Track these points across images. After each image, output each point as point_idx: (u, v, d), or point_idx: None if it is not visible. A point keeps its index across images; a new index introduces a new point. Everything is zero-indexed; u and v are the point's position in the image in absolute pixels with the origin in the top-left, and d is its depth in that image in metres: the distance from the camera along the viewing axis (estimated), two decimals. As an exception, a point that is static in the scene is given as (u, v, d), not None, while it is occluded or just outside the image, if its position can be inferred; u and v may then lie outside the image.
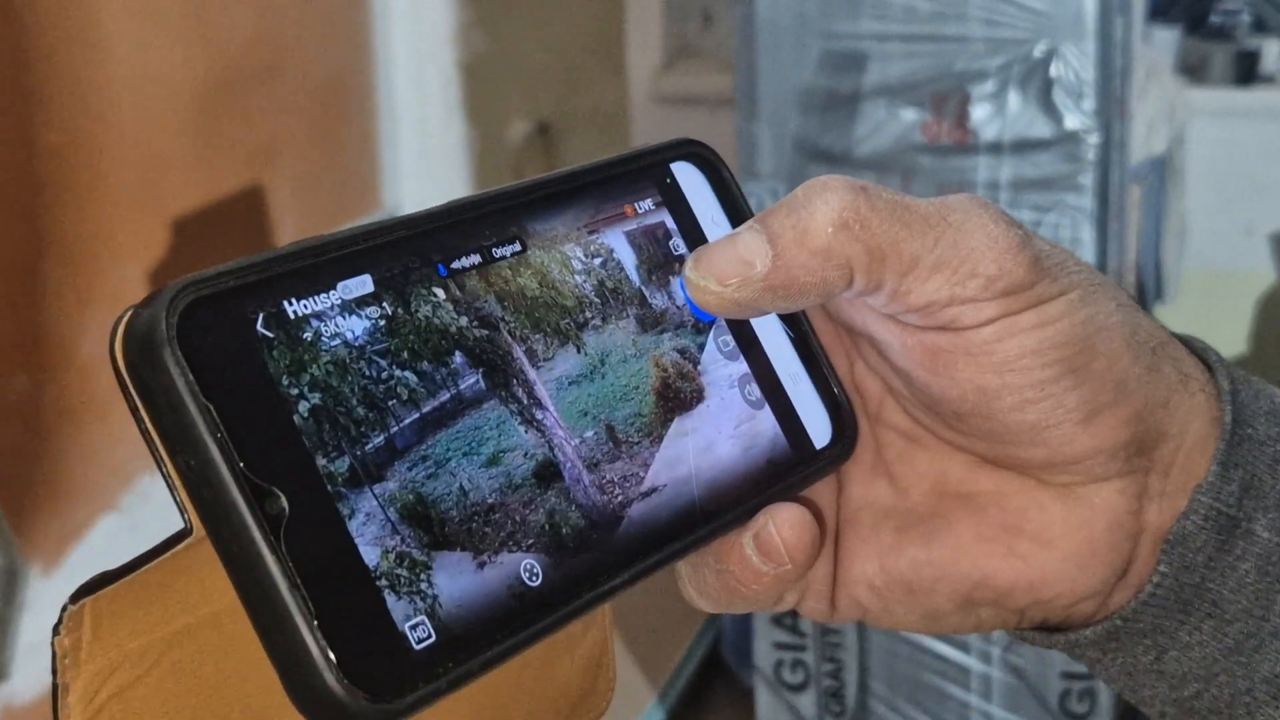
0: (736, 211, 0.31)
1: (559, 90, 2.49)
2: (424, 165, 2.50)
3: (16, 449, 1.78)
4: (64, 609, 0.22)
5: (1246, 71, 2.27)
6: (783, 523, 0.28)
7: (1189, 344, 0.31)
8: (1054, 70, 1.70)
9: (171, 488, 0.22)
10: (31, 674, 1.70)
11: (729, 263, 0.27)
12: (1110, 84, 1.75)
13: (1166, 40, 2.26)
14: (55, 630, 0.22)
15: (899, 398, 0.31)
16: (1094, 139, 1.71)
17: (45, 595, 1.71)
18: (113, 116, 1.76)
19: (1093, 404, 0.27)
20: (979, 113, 1.57)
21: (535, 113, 2.49)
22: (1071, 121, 1.70)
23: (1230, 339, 1.87)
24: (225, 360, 0.22)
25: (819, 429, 0.30)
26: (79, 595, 0.22)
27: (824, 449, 0.30)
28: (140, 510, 1.95)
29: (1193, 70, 2.30)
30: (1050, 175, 1.53)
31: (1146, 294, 1.69)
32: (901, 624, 0.30)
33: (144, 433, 0.21)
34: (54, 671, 0.22)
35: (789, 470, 0.29)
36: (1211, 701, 0.30)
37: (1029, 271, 0.26)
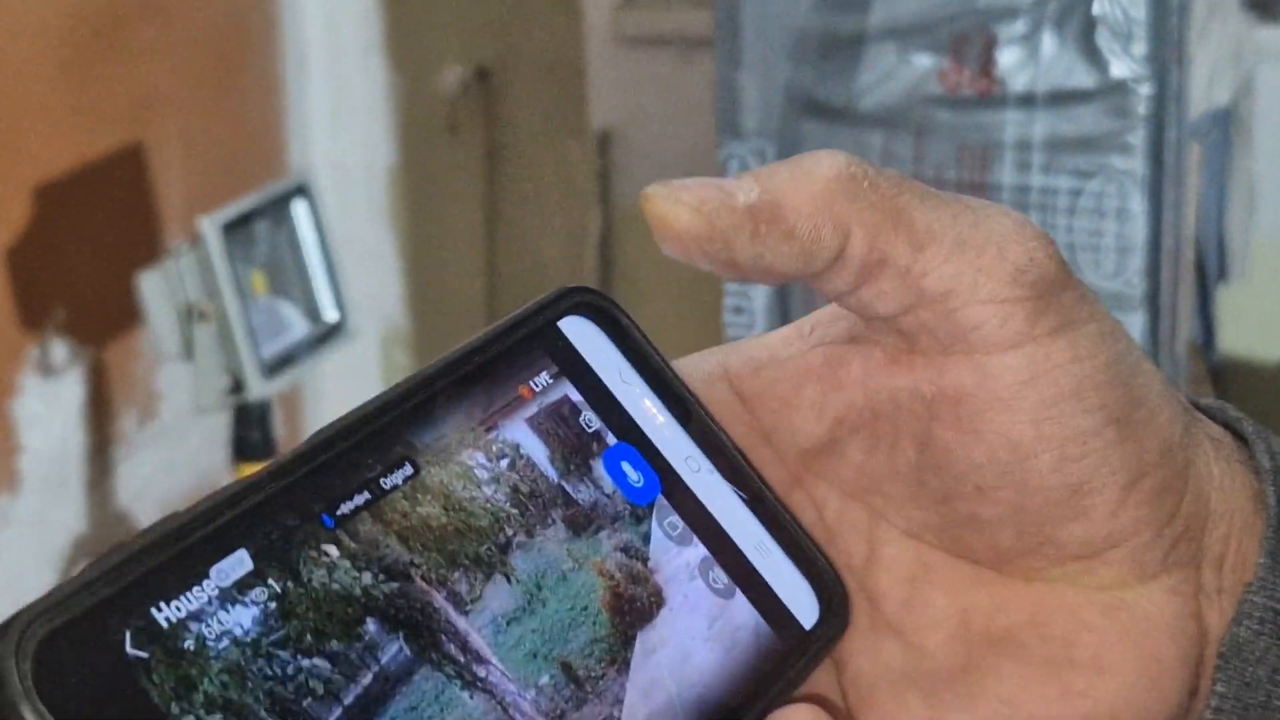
0: (646, 363, 0.30)
1: (500, 29, 2.30)
2: (338, 120, 2.33)
3: None
4: None
5: None
6: None
7: (1216, 412, 0.31)
8: (1097, 8, 1.57)
9: None
10: None
11: (706, 188, 0.26)
12: (1165, 23, 1.64)
13: None
14: None
15: (895, 510, 0.29)
16: (1145, 89, 1.59)
17: None
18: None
19: (1139, 464, 0.27)
20: (1007, 58, 1.46)
21: (472, 56, 2.29)
22: (1118, 69, 1.59)
23: (1304, 324, 1.88)
24: (99, 703, 0.21)
25: (803, 605, 0.29)
26: None
27: (815, 628, 0.29)
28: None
29: (1264, 6, 2.22)
30: (1093, 133, 1.45)
31: (1208, 273, 1.71)
32: None
33: None
34: None
35: (782, 664, 0.28)
36: None
37: (1060, 269, 0.26)
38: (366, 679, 0.23)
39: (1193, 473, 0.28)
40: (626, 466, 0.29)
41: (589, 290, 0.30)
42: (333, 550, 0.24)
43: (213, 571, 0.22)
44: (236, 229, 1.70)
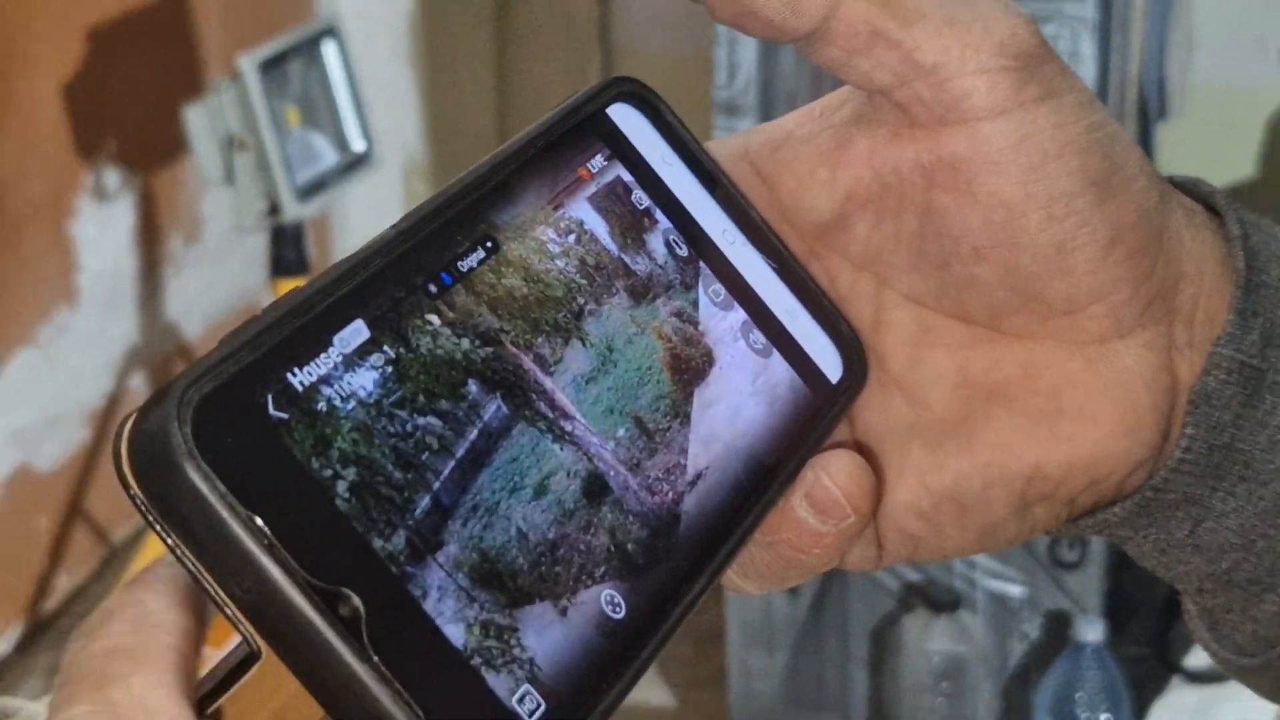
0: (684, 146, 0.30)
1: None
2: None
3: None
4: None
5: None
6: (837, 472, 0.28)
7: (1191, 187, 0.31)
8: None
9: (228, 616, 0.21)
10: None
11: None
12: None
13: None
14: None
15: (898, 278, 0.30)
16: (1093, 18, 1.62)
17: None
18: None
19: (1117, 223, 0.27)
20: None
21: None
22: (1075, 5, 1.61)
23: (1237, 160, 1.88)
24: (250, 459, 0.21)
25: (829, 362, 0.30)
26: None
27: (840, 383, 0.30)
28: (57, 344, 1.99)
29: None
30: None
31: (1149, 110, 1.69)
32: (955, 547, 0.30)
33: (178, 558, 0.21)
34: None
35: (815, 415, 0.29)
36: (1251, 571, 0.30)
37: (1041, 44, 0.27)
38: (472, 434, 0.24)
39: (1166, 237, 0.28)
40: (674, 239, 0.30)
41: (632, 80, 0.31)
42: (435, 319, 0.25)
43: (335, 340, 0.23)
44: (272, 67, 1.76)
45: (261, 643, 0.21)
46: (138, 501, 0.21)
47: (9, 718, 1.73)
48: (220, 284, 2.30)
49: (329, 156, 1.86)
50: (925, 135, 0.28)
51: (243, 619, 0.21)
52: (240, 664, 0.22)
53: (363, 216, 2.42)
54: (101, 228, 2.01)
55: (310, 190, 1.81)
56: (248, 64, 1.71)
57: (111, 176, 2.05)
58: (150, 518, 0.21)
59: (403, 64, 2.56)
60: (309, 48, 1.82)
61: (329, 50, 1.84)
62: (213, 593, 0.21)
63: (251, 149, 1.75)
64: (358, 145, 1.87)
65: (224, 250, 2.27)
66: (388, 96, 2.38)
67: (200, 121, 1.75)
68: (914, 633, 1.53)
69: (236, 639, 0.22)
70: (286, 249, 1.84)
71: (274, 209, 1.79)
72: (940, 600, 1.49)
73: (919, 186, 0.28)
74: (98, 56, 1.88)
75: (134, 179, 2.10)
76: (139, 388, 2.19)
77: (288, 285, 1.85)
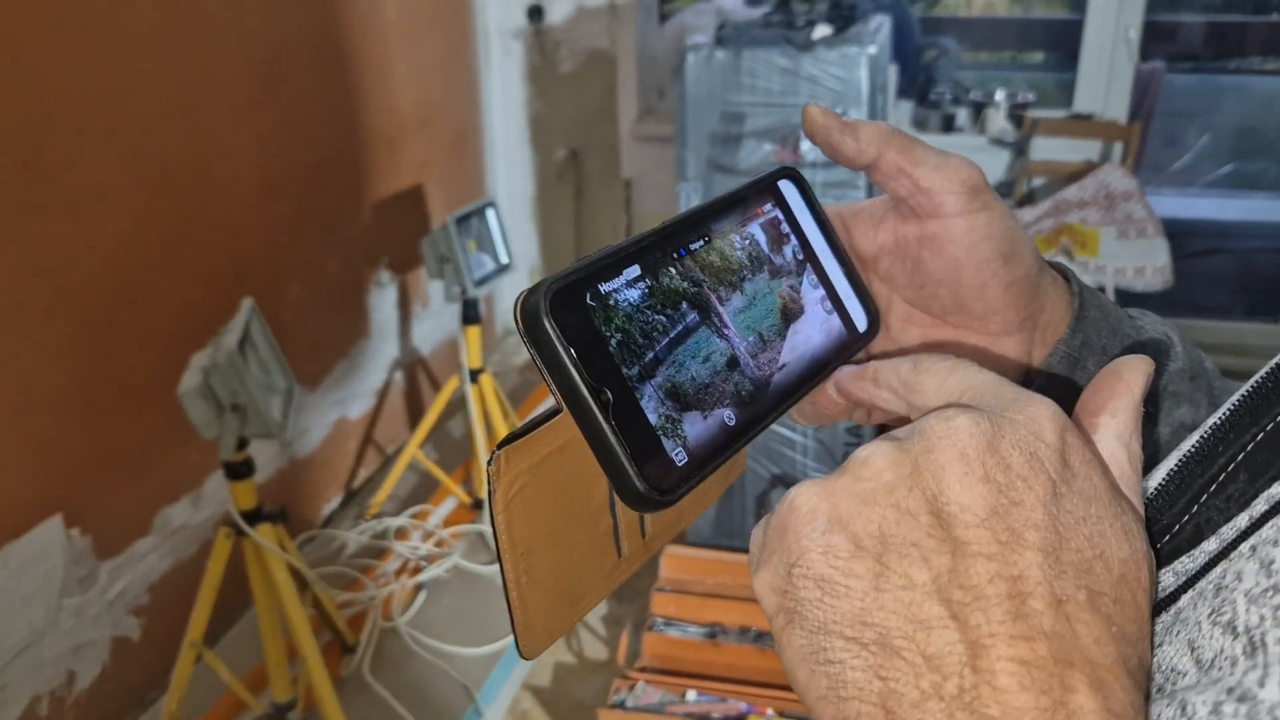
0: (814, 206, 0.41)
1: (581, 132, 3.38)
2: (510, 171, 3.41)
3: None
4: (492, 454, 0.32)
5: (948, 126, 3.30)
6: (847, 375, 0.38)
7: (1057, 265, 0.42)
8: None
9: (553, 394, 0.31)
10: (299, 446, 2.41)
11: (832, 114, 0.39)
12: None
13: (905, 108, 3.36)
14: (488, 464, 0.32)
15: (900, 290, 0.41)
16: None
17: (305, 400, 2.43)
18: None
19: (1012, 277, 0.38)
20: (805, 145, 2.26)
21: (568, 144, 3.41)
22: None
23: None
24: (574, 322, 0.31)
25: (860, 320, 0.41)
26: (499, 446, 0.33)
27: (865, 332, 0.41)
28: (362, 354, 2.71)
29: (920, 124, 3.37)
30: (844, 179, 2.23)
31: None
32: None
33: (536, 366, 0.30)
34: (488, 485, 0.32)
35: (846, 346, 0.40)
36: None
37: (984, 180, 0.38)
38: (679, 328, 0.34)
39: (1040, 288, 0.39)
40: (796, 250, 0.40)
41: (793, 169, 0.41)
42: (674, 270, 0.35)
43: (624, 273, 0.33)
44: (463, 221, 2.44)
45: (564, 406, 0.31)
46: (522, 335, 0.30)
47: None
48: (439, 329, 3.08)
49: (489, 265, 2.56)
50: (920, 222, 0.39)
51: (558, 393, 0.30)
52: (549, 414, 0.33)
53: (508, 294, 3.22)
54: (381, 300, 2.78)
55: (480, 282, 2.50)
56: (450, 219, 2.45)
57: (385, 275, 2.80)
58: (526, 345, 0.30)
59: (527, 218, 3.52)
60: (481, 210, 2.55)
61: (490, 213, 2.57)
62: (548, 381, 0.31)
63: (452, 261, 2.46)
64: (504, 260, 2.59)
65: (440, 311, 3.04)
66: (520, 234, 3.38)
67: (428, 248, 2.46)
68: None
69: (550, 402, 0.31)
70: (470, 311, 2.52)
71: (463, 291, 2.49)
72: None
73: (914, 247, 0.39)
74: (380, 213, 2.72)
75: (396, 276, 2.86)
76: (399, 379, 2.86)
77: (473, 331, 2.58)
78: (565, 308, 0.31)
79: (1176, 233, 3.06)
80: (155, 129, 1.95)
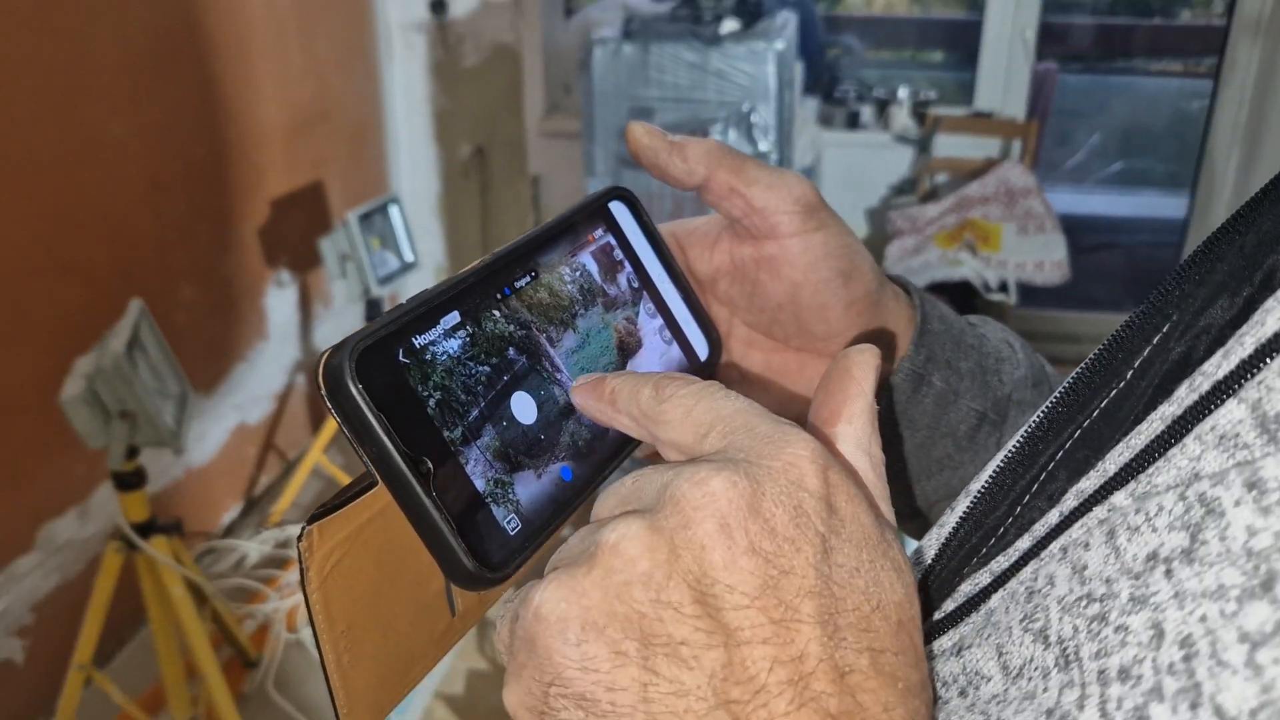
0: (646, 226, 0.40)
1: (486, 128, 3.37)
2: (414, 167, 3.37)
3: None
4: (303, 528, 0.29)
5: (853, 122, 3.36)
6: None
7: (898, 278, 0.41)
8: (754, 119, 2.48)
9: (364, 463, 0.29)
10: (194, 454, 2.43)
11: (659, 133, 0.37)
12: (783, 126, 2.56)
13: (811, 104, 3.37)
14: (298, 540, 0.29)
15: (740, 314, 0.41)
16: (774, 156, 2.51)
17: (201, 406, 2.33)
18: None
19: (851, 297, 0.38)
20: (716, 139, 2.17)
21: (474, 140, 3.39)
22: (763, 145, 2.50)
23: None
24: (385, 383, 0.28)
25: (702, 349, 0.40)
26: (310, 521, 0.30)
27: (706, 360, 0.40)
28: (260, 358, 2.65)
29: (826, 120, 3.40)
30: None
31: None
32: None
33: (344, 434, 0.28)
34: (299, 563, 0.29)
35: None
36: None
37: (819, 198, 0.38)
38: (507, 378, 0.32)
39: (881, 304, 0.39)
40: (631, 278, 0.38)
41: (624, 189, 0.39)
42: (497, 313, 0.32)
43: (441, 321, 0.30)
44: (365, 218, 2.42)
45: (379, 479, 0.29)
46: (325, 401, 0.27)
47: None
48: (343, 329, 2.89)
49: (394, 264, 2.53)
50: (756, 243, 0.38)
51: (371, 466, 0.28)
52: (363, 488, 0.30)
53: (414, 292, 2.28)
54: (281, 302, 2.70)
55: (384, 281, 2.47)
56: (352, 216, 2.40)
57: (284, 274, 2.72)
58: (330, 411, 0.28)
59: (433, 215, 3.45)
60: (384, 207, 2.52)
61: (394, 209, 2.54)
62: (358, 452, 0.28)
63: (354, 260, 2.42)
64: (409, 258, 2.55)
65: (342, 311, 2.98)
66: (426, 232, 3.33)
67: (328, 247, 2.43)
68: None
69: (364, 475, 0.29)
70: (374, 311, 2.46)
71: (367, 291, 2.46)
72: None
73: (752, 269, 0.39)
74: (278, 210, 2.62)
75: (297, 275, 2.78)
76: (300, 382, 2.83)
77: (374, 330, 2.53)
78: (374, 368, 0.29)
79: (1071, 228, 3.13)
80: (28, 121, 1.87)
